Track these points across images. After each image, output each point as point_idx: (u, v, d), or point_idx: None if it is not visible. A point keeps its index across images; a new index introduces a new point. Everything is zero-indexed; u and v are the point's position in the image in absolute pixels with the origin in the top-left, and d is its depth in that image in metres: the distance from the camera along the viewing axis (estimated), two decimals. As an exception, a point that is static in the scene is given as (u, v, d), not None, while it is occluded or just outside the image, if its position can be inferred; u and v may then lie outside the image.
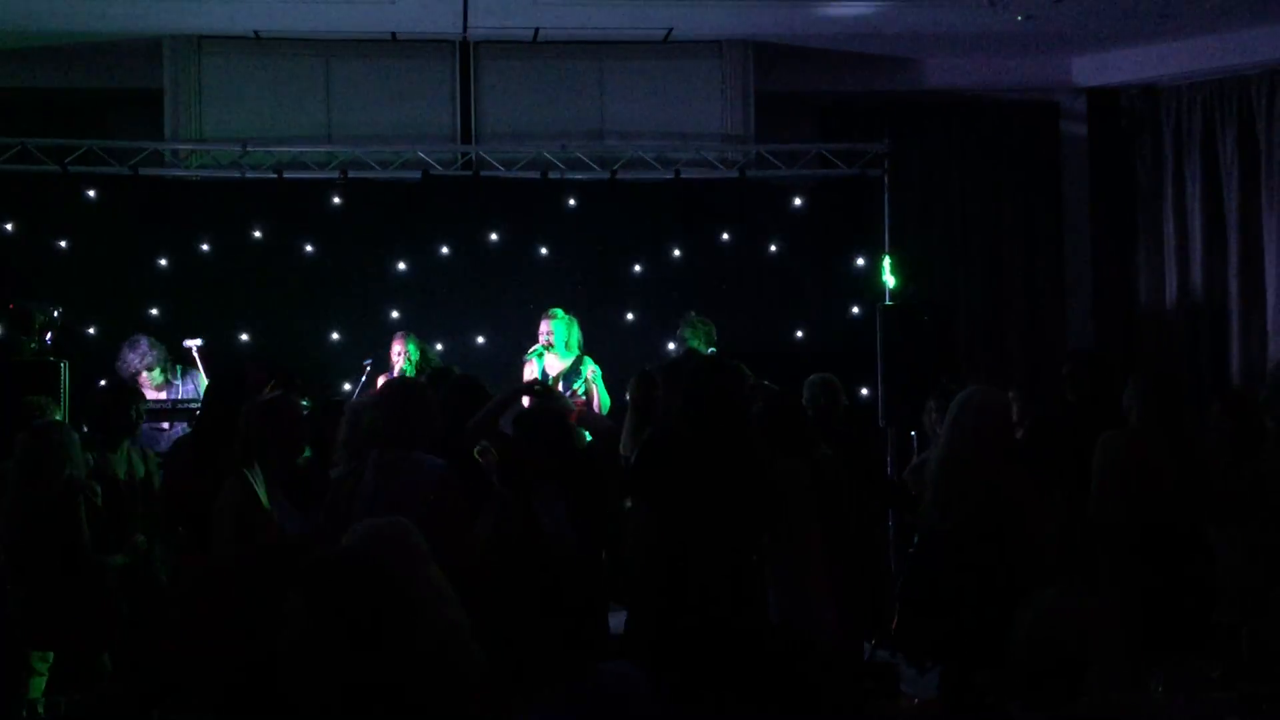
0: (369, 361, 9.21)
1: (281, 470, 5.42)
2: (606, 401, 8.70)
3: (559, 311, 8.99)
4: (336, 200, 10.23)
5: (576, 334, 8.96)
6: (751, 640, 4.64)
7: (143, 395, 7.72)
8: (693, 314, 9.00)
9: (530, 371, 8.83)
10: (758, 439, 5.70)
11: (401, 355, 9.06)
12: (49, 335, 8.84)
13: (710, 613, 4.83)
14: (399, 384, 6.22)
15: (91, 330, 9.90)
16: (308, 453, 6.06)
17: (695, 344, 8.70)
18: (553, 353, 8.83)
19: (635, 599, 5.57)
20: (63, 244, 10.08)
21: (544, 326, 8.91)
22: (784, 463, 5.72)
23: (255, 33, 10.33)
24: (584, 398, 8.63)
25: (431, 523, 4.52)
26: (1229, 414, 6.25)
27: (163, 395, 8.78)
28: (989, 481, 5.51)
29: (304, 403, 6.48)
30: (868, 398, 9.90)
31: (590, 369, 8.80)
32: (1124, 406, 6.19)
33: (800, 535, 5.62)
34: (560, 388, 8.63)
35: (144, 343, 8.86)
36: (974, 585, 5.32)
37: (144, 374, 8.75)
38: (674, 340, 9.07)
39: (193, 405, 8.35)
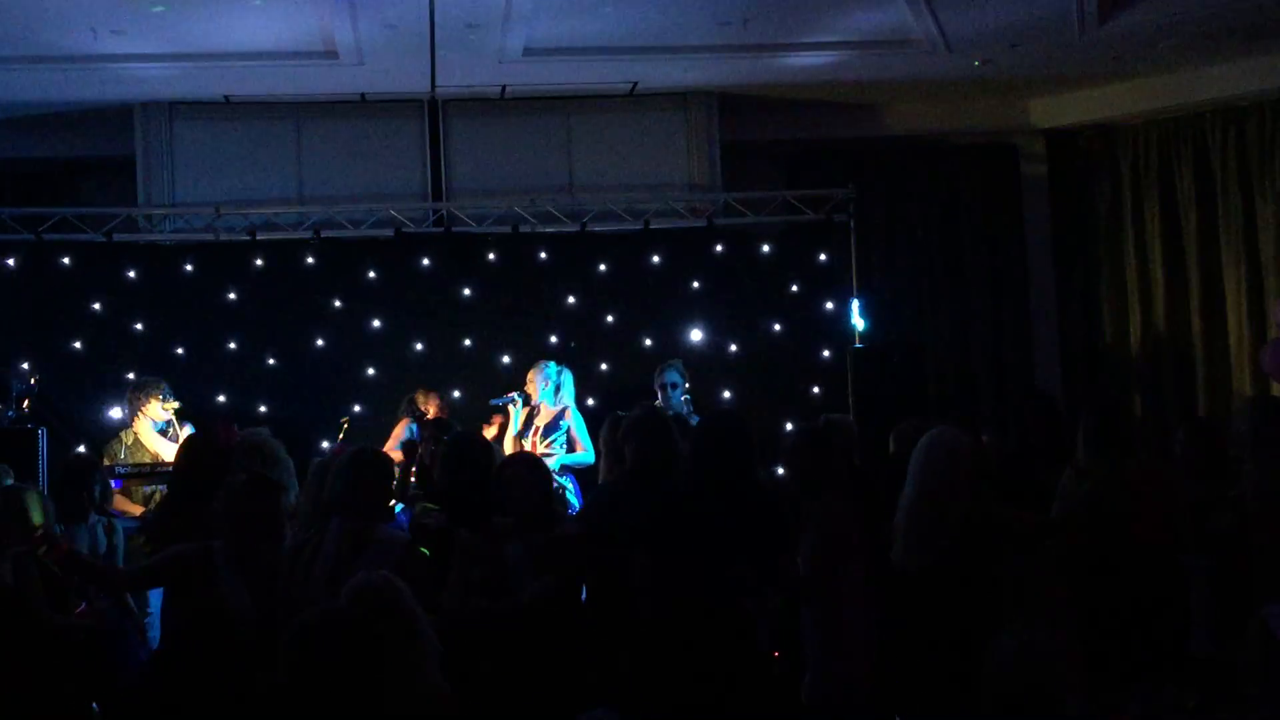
0: (345, 419, 9.28)
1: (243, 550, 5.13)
2: (591, 451, 8.58)
3: (550, 364, 9.07)
4: (310, 260, 10.31)
5: (568, 386, 9.03)
6: (734, 686, 4.68)
7: (99, 464, 7.60)
8: (678, 360, 9.24)
9: (509, 417, 8.93)
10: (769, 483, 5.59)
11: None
12: (25, 403, 8.86)
13: (687, 661, 4.82)
14: (366, 452, 5.61)
15: (69, 397, 9.91)
16: None
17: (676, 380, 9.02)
18: (535, 402, 8.90)
19: (617, 646, 5.55)
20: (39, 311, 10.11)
21: (532, 376, 9.00)
22: (819, 501, 5.69)
23: (226, 97, 10.44)
24: (562, 449, 8.70)
25: None
26: (1193, 440, 6.35)
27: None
28: (959, 522, 5.56)
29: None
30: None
31: (570, 422, 8.84)
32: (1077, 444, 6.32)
33: (837, 578, 5.57)
34: (540, 438, 8.73)
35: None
36: (945, 628, 5.36)
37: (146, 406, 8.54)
38: (659, 383, 9.11)
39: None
